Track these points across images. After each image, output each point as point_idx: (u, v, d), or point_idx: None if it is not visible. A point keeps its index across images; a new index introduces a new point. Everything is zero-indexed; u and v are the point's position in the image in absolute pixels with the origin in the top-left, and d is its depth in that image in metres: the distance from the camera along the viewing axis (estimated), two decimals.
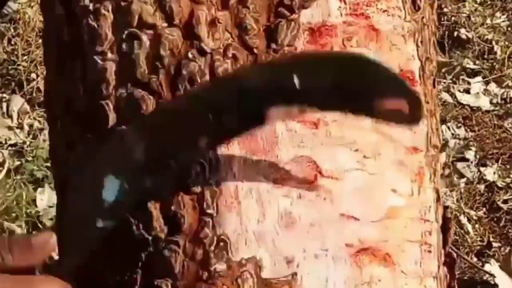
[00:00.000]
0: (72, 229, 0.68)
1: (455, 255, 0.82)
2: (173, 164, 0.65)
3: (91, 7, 0.72)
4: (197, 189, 0.70)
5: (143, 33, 0.70)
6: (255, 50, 0.71)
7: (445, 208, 0.82)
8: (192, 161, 0.67)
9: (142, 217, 0.71)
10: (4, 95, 2.83)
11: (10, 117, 2.76)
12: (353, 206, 0.72)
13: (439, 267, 0.78)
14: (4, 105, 2.80)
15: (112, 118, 0.71)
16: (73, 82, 0.74)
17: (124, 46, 0.71)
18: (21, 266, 0.66)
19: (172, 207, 0.70)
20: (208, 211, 0.70)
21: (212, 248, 0.70)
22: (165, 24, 0.70)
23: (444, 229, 0.80)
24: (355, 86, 0.60)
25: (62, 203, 0.78)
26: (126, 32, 0.71)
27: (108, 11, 0.71)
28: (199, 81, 0.70)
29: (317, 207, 0.72)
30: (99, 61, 0.71)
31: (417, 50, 0.77)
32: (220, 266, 0.70)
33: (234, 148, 0.71)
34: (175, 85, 0.70)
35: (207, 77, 0.70)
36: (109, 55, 0.71)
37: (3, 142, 2.66)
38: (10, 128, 2.71)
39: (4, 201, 2.37)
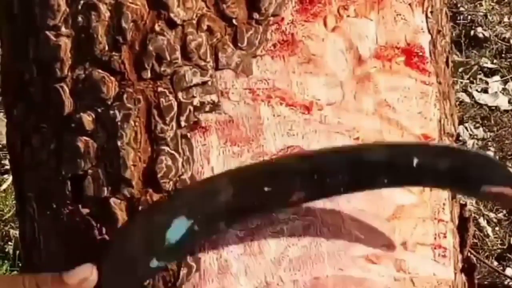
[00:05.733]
0: (118, 269, 0.64)
1: (474, 260, 0.73)
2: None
3: None
4: (169, 185, 0.64)
5: (102, 2, 0.64)
6: (234, 21, 0.65)
7: (462, 206, 0.78)
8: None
9: None
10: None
11: None
12: (354, 205, 0.66)
13: (455, 274, 0.72)
14: None
15: (68, 104, 0.65)
16: (26, 63, 0.67)
17: (80, 18, 0.64)
18: None
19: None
20: None
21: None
22: None
23: (462, 230, 0.75)
24: (467, 171, 0.66)
25: (21, 210, 0.71)
26: (82, 2, 0.64)
27: None
28: (168, 58, 0.64)
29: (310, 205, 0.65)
30: (52, 37, 0.65)
31: (427, 21, 0.71)
32: None
33: (211, 136, 0.64)
34: (141, 63, 0.64)
35: (178, 54, 0.64)
36: (63, 29, 0.65)
37: None
38: None
39: (11, 208, 2.37)
